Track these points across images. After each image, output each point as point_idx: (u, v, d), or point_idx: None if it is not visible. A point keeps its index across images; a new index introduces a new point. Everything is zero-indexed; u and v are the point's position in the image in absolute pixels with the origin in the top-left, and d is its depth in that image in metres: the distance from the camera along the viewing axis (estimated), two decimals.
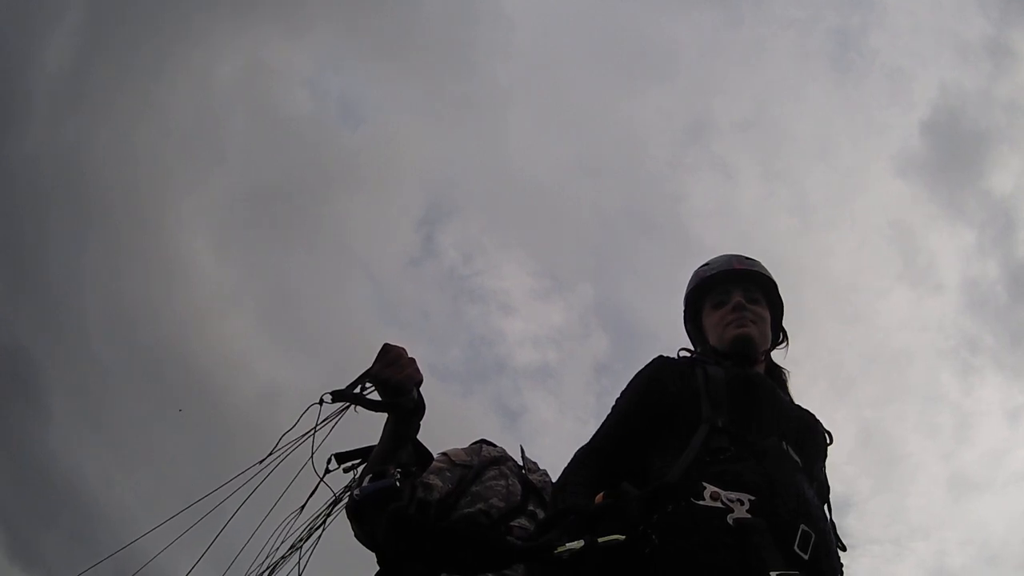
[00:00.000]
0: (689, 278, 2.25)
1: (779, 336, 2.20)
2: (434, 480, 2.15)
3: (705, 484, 1.54)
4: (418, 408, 2.05)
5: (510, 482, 2.23)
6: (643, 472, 1.75)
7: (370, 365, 2.02)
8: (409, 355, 2.06)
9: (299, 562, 2.05)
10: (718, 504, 1.50)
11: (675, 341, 2.21)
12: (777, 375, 2.14)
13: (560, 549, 1.37)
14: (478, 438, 2.46)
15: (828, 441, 1.96)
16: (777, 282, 2.17)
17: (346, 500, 2.01)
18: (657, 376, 1.93)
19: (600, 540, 1.38)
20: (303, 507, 2.06)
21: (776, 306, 2.18)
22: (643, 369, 1.98)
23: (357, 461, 2.08)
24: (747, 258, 2.18)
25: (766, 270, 2.17)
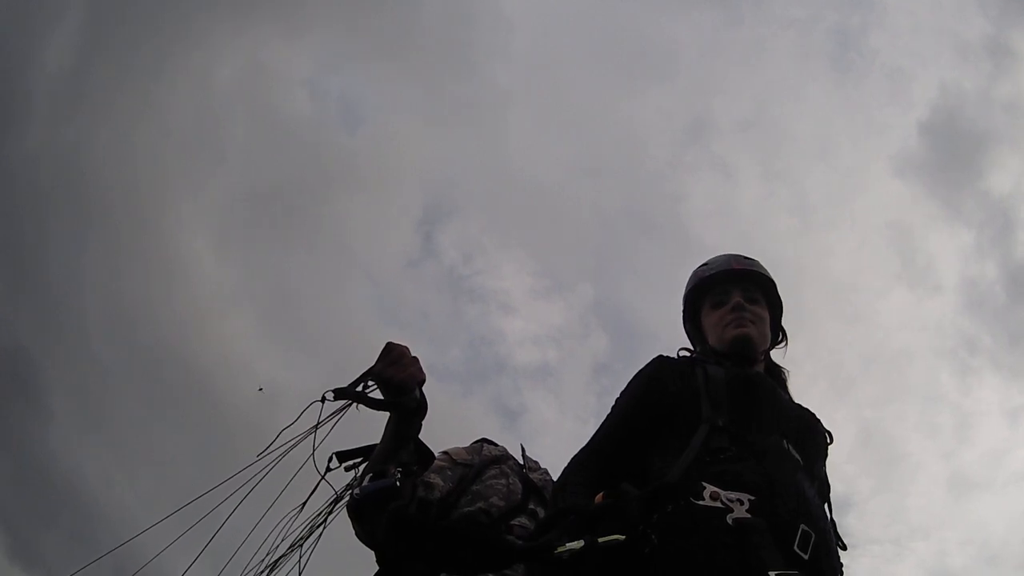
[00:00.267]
0: (688, 278, 2.25)
1: (779, 336, 2.21)
2: (435, 479, 2.15)
3: (705, 484, 1.54)
4: (420, 407, 2.05)
5: (511, 481, 2.24)
6: (643, 472, 1.75)
7: (372, 364, 2.02)
8: (412, 354, 2.07)
9: (299, 561, 2.06)
10: (718, 504, 1.51)
11: (675, 341, 2.22)
12: (777, 374, 2.14)
13: (560, 549, 1.37)
14: (479, 438, 2.47)
15: (828, 441, 1.96)
16: (776, 282, 2.17)
17: (347, 499, 2.01)
18: (657, 376, 1.93)
19: (600, 540, 1.39)
20: (303, 505, 2.06)
21: (775, 306, 2.18)
22: (643, 369, 1.98)
23: (358, 460, 2.08)
24: (746, 258, 2.18)
25: (765, 270, 2.17)
